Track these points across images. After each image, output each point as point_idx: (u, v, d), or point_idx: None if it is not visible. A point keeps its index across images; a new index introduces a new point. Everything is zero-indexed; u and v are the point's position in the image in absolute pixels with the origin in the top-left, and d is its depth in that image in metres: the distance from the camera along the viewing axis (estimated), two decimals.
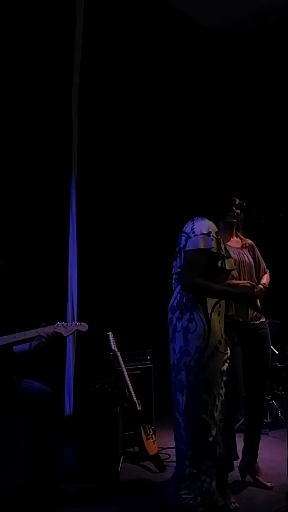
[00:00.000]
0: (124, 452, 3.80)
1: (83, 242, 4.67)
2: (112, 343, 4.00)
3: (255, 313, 3.23)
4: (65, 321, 3.17)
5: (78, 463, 3.56)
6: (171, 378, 2.76)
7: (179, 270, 2.81)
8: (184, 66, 5.89)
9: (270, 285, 3.51)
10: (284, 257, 3.32)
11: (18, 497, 2.98)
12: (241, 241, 3.40)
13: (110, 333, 4.05)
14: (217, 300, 2.75)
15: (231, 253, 3.10)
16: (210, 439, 2.65)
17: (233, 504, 2.95)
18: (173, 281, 2.89)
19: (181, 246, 2.81)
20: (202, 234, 2.72)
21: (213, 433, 2.66)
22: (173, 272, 2.89)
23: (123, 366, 3.91)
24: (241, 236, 3.43)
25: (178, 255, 2.84)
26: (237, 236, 3.41)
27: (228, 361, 2.74)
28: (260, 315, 3.28)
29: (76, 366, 4.49)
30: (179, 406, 2.67)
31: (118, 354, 3.96)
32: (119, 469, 3.55)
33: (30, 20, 4.46)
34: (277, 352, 4.97)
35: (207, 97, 6.22)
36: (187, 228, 2.82)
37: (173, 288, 2.88)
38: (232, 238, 3.38)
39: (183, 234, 2.82)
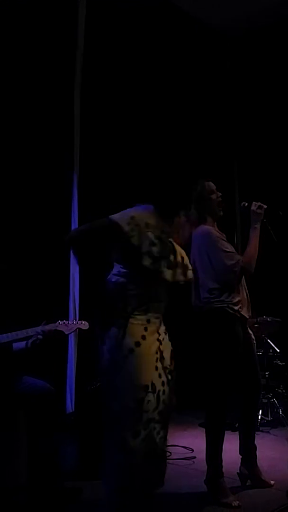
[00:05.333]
0: None
1: None
2: None
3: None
4: (67, 320, 3.18)
5: (79, 460, 3.57)
6: None
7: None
8: (185, 64, 5.89)
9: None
10: (284, 255, 3.32)
11: (20, 494, 3.00)
12: None
13: None
14: (141, 302, 2.27)
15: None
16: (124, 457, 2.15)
17: (235, 502, 2.96)
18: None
19: None
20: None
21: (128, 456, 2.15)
22: None
23: None
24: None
25: None
26: None
27: (166, 371, 2.29)
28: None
29: (78, 363, 4.50)
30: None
31: None
32: None
33: (32, 19, 4.46)
34: (278, 350, 4.98)
35: (208, 95, 6.21)
36: None
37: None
38: None
39: None
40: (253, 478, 3.27)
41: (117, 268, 2.35)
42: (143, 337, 2.23)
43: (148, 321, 2.28)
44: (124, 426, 2.16)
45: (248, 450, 3.30)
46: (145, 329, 2.26)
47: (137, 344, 2.21)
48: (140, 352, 2.21)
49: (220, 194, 3.29)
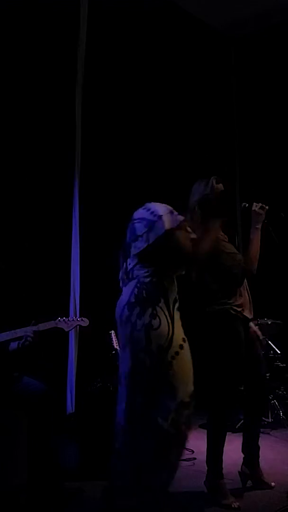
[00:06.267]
0: None
1: (86, 239, 4.67)
2: (114, 342, 4.01)
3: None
4: (67, 317, 3.18)
5: (79, 461, 3.56)
6: (127, 381, 2.48)
7: (137, 261, 2.60)
8: (188, 65, 5.89)
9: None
10: (286, 257, 3.32)
11: (20, 494, 2.99)
12: None
13: (112, 331, 4.05)
14: (175, 296, 2.55)
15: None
16: (162, 451, 2.34)
17: (235, 504, 2.95)
18: (124, 275, 2.67)
19: (139, 233, 2.65)
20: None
21: (169, 446, 2.35)
22: (134, 256, 2.62)
23: None
24: None
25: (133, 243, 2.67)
26: None
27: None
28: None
29: (78, 364, 4.49)
30: (134, 407, 2.42)
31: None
32: None
33: (34, 19, 4.46)
34: (279, 352, 4.97)
35: (211, 97, 6.22)
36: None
37: (125, 282, 2.65)
38: None
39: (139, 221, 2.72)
40: (254, 479, 3.27)
41: (143, 271, 2.56)
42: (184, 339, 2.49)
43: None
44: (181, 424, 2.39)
45: (251, 450, 3.30)
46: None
47: (184, 340, 2.48)
48: (186, 346, 2.48)
49: None
